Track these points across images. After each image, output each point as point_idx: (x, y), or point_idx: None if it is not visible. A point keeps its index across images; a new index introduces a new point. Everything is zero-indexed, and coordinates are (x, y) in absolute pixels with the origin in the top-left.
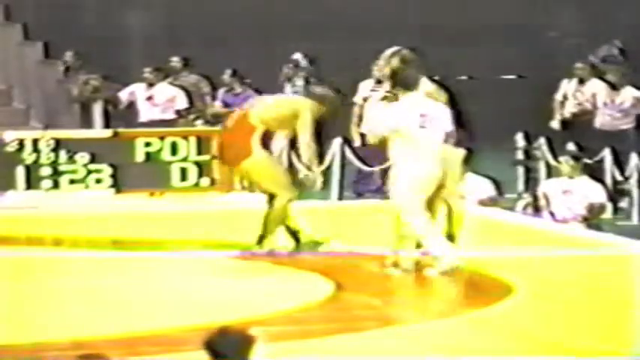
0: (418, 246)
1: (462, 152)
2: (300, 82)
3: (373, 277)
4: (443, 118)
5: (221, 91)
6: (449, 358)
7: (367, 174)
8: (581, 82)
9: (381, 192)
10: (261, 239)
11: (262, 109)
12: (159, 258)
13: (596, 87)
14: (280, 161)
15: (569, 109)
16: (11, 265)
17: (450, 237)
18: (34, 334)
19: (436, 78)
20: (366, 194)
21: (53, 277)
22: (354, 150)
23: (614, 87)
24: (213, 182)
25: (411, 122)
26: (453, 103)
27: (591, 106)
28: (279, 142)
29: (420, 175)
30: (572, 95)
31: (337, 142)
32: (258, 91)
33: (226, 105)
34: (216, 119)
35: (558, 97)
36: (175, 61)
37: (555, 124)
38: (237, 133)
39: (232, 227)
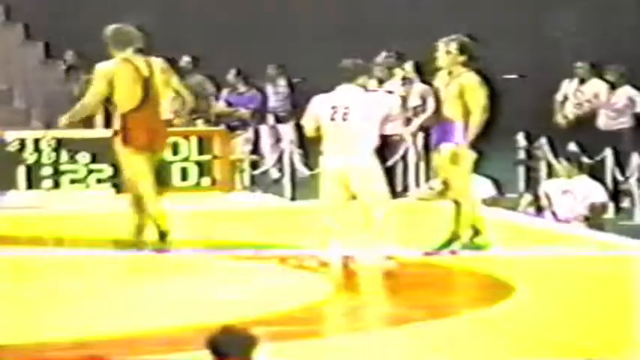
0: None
1: (472, 154)
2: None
3: (372, 277)
4: (375, 108)
5: (225, 91)
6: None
7: None
8: (582, 81)
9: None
10: (451, 240)
11: None
12: (160, 258)
13: (596, 87)
14: None
15: (570, 109)
16: (12, 265)
17: (455, 236)
18: (35, 334)
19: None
20: None
21: (54, 277)
22: None
23: (613, 87)
24: (214, 182)
25: (323, 115)
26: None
27: (591, 105)
28: (286, 142)
29: (323, 170)
30: (572, 95)
31: None
32: (261, 91)
33: (230, 105)
34: (220, 119)
35: (559, 97)
36: (186, 61)
37: (561, 120)
38: None
39: (233, 227)
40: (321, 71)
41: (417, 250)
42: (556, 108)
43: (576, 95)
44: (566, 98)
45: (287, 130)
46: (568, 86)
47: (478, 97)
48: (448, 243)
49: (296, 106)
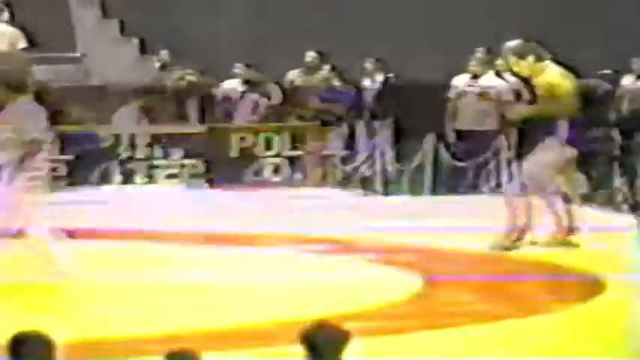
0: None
1: (574, 152)
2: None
3: (464, 272)
4: None
5: (319, 87)
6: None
7: (460, 169)
8: None
9: (474, 187)
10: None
11: None
12: (252, 253)
13: None
14: None
15: None
16: (104, 259)
17: (571, 230)
18: (126, 327)
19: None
20: (459, 189)
21: (147, 270)
22: (447, 145)
23: None
24: (307, 177)
25: None
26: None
27: None
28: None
29: None
30: None
31: (430, 137)
32: (357, 87)
33: (324, 100)
34: (314, 115)
35: None
36: (311, 56)
37: None
38: None
39: (324, 222)
40: (414, 67)
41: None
42: None
43: None
44: None
45: (382, 126)
46: None
47: (567, 92)
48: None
49: (391, 102)
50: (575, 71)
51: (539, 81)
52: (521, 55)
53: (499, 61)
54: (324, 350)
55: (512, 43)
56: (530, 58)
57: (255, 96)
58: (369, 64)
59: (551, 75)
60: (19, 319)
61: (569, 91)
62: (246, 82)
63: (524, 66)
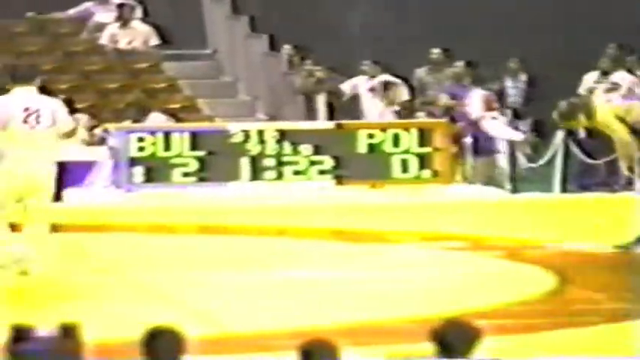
0: None
1: None
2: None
3: (597, 271)
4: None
5: (447, 83)
6: None
7: (591, 167)
8: None
9: (606, 185)
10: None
11: None
12: (381, 249)
13: None
14: None
15: None
16: (235, 255)
17: None
18: (257, 323)
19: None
20: (591, 187)
21: (276, 267)
22: (578, 142)
23: None
24: (435, 174)
25: (15, 117)
26: None
27: None
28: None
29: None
30: None
31: (560, 134)
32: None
33: (453, 97)
34: (443, 111)
35: None
36: (436, 52)
37: None
38: None
39: (453, 219)
40: (550, 65)
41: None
42: None
43: None
44: None
45: (522, 125)
46: None
47: None
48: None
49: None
50: None
51: None
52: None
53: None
54: (456, 348)
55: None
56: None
57: (382, 92)
58: (512, 64)
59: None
60: (154, 314)
61: None
62: (372, 77)
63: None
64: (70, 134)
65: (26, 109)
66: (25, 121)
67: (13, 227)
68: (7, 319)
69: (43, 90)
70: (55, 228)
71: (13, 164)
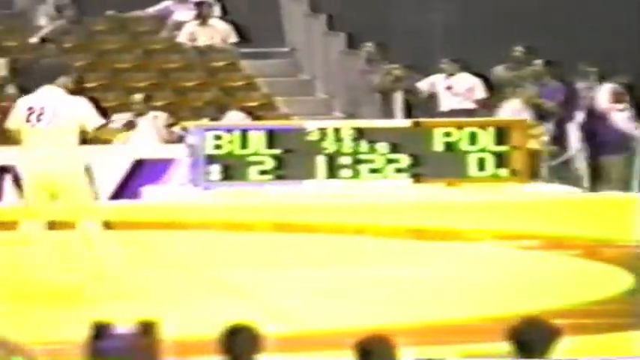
0: None
1: None
2: None
3: None
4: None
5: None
6: None
7: None
8: None
9: None
10: None
11: None
12: (458, 247)
13: None
14: None
15: None
16: (311, 253)
17: None
18: (333, 321)
19: None
20: None
21: (352, 265)
22: None
23: None
24: (513, 173)
25: (20, 117)
26: None
27: None
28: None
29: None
30: None
31: None
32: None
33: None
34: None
35: None
36: (519, 50)
37: None
38: None
39: (530, 218)
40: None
41: None
42: None
43: None
44: None
45: None
46: None
47: None
48: None
49: None
50: None
51: None
52: None
53: None
54: (534, 347)
55: None
56: None
57: (459, 91)
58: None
59: None
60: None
61: None
62: (450, 74)
63: None
64: (105, 132)
65: (30, 108)
66: (28, 120)
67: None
68: (87, 316)
69: (77, 87)
70: (108, 225)
71: (32, 163)
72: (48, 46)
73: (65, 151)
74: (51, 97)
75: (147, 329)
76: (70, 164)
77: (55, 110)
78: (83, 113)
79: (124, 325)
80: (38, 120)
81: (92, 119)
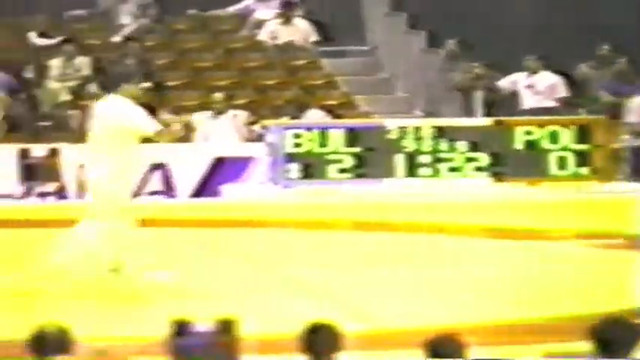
0: None
1: None
2: None
3: None
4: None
5: (608, 80)
6: None
7: None
8: None
9: None
10: None
11: None
12: (538, 246)
13: None
14: None
15: None
16: (391, 252)
17: None
18: (413, 320)
19: None
20: None
21: (433, 264)
22: None
23: None
24: (594, 171)
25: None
26: None
27: None
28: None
29: None
30: None
31: None
32: None
33: (615, 93)
34: (607, 108)
35: None
36: (605, 48)
37: None
38: None
39: (612, 217)
40: None
41: None
42: None
43: None
44: None
45: None
46: None
47: None
48: None
49: None
50: None
51: None
52: None
53: None
54: (616, 347)
55: None
56: None
57: (540, 89)
58: None
59: None
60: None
61: None
62: (533, 73)
63: None
64: (162, 135)
65: (91, 115)
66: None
67: None
68: (168, 315)
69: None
70: (143, 223)
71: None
72: (131, 44)
73: (100, 157)
74: (108, 106)
75: (226, 327)
76: (99, 168)
77: (106, 120)
78: (136, 121)
79: (203, 323)
80: (94, 127)
81: (148, 126)
